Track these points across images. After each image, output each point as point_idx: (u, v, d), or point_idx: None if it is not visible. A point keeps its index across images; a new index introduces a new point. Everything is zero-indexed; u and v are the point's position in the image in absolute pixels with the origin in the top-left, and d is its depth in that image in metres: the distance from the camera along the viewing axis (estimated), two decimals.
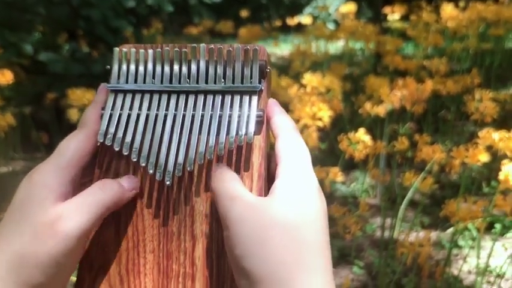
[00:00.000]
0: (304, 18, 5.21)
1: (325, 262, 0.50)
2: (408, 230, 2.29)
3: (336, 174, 2.31)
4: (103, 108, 0.59)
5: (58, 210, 0.51)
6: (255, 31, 4.41)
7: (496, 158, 2.14)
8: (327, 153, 3.28)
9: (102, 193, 0.54)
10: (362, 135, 2.29)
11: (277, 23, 5.98)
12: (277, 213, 0.50)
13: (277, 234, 0.48)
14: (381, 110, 2.73)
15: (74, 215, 0.51)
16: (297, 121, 2.43)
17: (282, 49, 5.29)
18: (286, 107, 2.53)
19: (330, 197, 2.84)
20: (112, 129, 0.58)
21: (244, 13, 5.67)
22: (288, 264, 0.47)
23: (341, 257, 2.43)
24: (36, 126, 3.49)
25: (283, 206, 0.50)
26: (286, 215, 0.50)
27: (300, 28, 4.94)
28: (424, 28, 4.08)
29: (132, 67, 0.60)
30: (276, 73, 3.23)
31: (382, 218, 2.43)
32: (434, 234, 2.49)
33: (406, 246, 1.98)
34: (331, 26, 5.71)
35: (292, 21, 5.24)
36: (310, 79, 2.81)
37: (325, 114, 2.45)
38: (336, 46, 4.91)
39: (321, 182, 2.21)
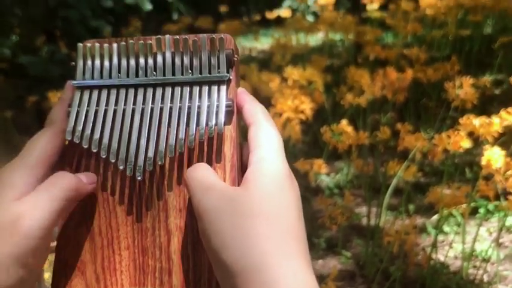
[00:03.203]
0: (283, 12, 5.20)
1: (303, 248, 0.50)
2: (394, 219, 2.30)
3: (320, 166, 2.31)
4: (70, 106, 0.58)
5: (17, 209, 0.50)
6: (235, 26, 4.39)
7: (478, 143, 2.15)
8: (311, 145, 3.28)
9: (60, 187, 0.53)
10: (345, 126, 2.29)
11: (257, 17, 5.97)
12: (253, 202, 0.49)
13: (256, 223, 0.48)
14: (362, 101, 2.73)
15: (33, 212, 0.50)
16: (279, 115, 2.43)
17: (262, 43, 5.27)
18: (268, 101, 2.53)
19: (315, 188, 2.84)
20: (80, 127, 0.57)
21: (223, 8, 5.65)
22: (269, 253, 0.47)
23: (328, 247, 2.43)
24: (18, 130, 3.46)
25: (259, 194, 0.50)
26: (262, 204, 0.49)
27: (279, 21, 4.93)
28: (402, 17, 4.08)
29: (97, 62, 0.60)
30: (257, 67, 3.22)
31: (367, 207, 2.44)
32: (419, 221, 2.50)
33: (392, 235, 1.98)
34: (310, 18, 5.70)
35: (271, 15, 5.23)
36: (291, 72, 2.81)
37: (307, 107, 2.45)
38: (316, 38, 4.91)
39: (306, 175, 2.22)
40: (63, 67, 3.76)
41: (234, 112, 0.58)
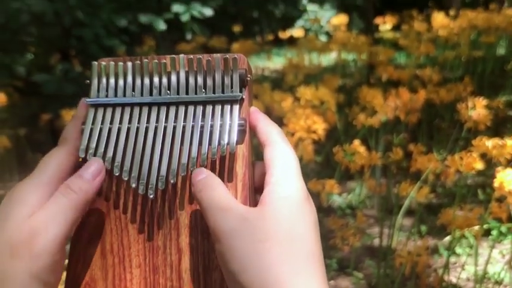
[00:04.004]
0: (296, 31, 5.23)
1: (320, 272, 0.49)
2: (406, 240, 2.29)
3: (333, 186, 2.30)
4: (83, 123, 0.58)
5: (31, 226, 0.50)
6: (248, 45, 4.41)
7: (491, 164, 2.14)
8: (323, 165, 3.28)
9: (69, 197, 0.52)
10: (357, 146, 2.29)
11: (270, 36, 6.01)
12: (270, 225, 0.49)
13: (272, 247, 0.47)
14: (375, 121, 2.73)
15: (47, 228, 0.50)
16: (291, 134, 2.43)
17: (275, 62, 5.30)
18: (281, 120, 2.53)
19: (328, 208, 2.83)
20: (93, 144, 0.57)
21: (236, 28, 5.69)
22: (285, 277, 0.46)
23: (340, 268, 2.42)
24: (32, 148, 3.49)
25: (275, 217, 0.49)
26: (279, 227, 0.49)
27: (292, 41, 4.95)
28: (415, 37, 4.09)
29: (112, 80, 0.60)
30: (269, 87, 3.23)
31: (379, 228, 2.42)
32: (431, 243, 2.49)
33: (404, 256, 1.97)
34: (323, 38, 5.72)
35: (284, 35, 5.26)
36: (303, 92, 2.81)
37: (320, 127, 2.45)
38: (329, 58, 4.93)
39: (318, 195, 2.21)
40: (77, 85, 3.78)
41: (247, 131, 0.57)
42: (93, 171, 0.55)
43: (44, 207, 0.52)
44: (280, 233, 0.48)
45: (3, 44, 3.82)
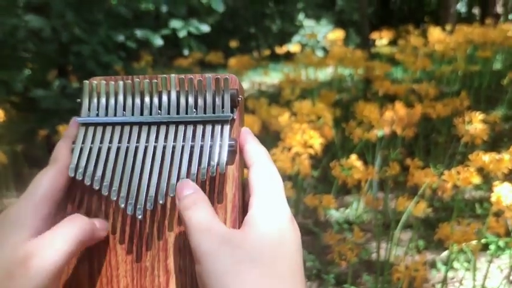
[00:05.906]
0: (293, 47, 5.25)
1: None
2: (403, 254, 2.28)
3: (330, 201, 2.30)
4: (74, 142, 0.58)
5: (30, 247, 0.49)
6: (245, 61, 4.42)
7: (488, 179, 2.14)
8: (320, 180, 3.28)
9: (74, 228, 0.52)
10: (354, 161, 2.29)
11: (266, 52, 6.01)
12: (250, 247, 0.49)
13: (250, 269, 0.47)
14: (371, 136, 2.73)
15: (46, 251, 0.49)
16: (288, 149, 2.43)
17: (272, 77, 5.30)
18: (278, 135, 2.53)
19: (325, 223, 2.83)
20: (83, 163, 0.56)
21: (233, 43, 5.71)
22: None
23: (338, 284, 2.41)
24: (29, 163, 3.48)
25: (258, 238, 0.49)
26: (261, 248, 0.49)
27: (289, 56, 4.97)
28: (412, 52, 4.10)
29: (103, 100, 0.59)
30: (266, 102, 3.24)
31: (377, 243, 2.42)
32: (429, 258, 2.48)
33: (402, 271, 1.96)
34: (319, 53, 5.75)
35: (281, 50, 5.28)
36: (300, 107, 2.81)
37: (317, 142, 2.45)
38: (325, 73, 4.93)
39: (315, 209, 2.21)
40: (74, 101, 3.77)
41: (237, 152, 0.57)
42: (100, 223, 0.55)
43: (48, 232, 0.51)
44: (263, 254, 0.48)
45: (1, 60, 3.82)
